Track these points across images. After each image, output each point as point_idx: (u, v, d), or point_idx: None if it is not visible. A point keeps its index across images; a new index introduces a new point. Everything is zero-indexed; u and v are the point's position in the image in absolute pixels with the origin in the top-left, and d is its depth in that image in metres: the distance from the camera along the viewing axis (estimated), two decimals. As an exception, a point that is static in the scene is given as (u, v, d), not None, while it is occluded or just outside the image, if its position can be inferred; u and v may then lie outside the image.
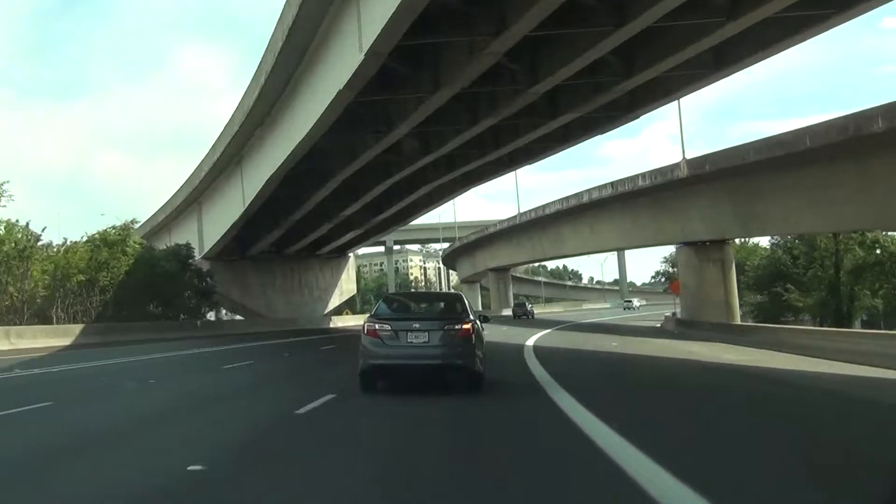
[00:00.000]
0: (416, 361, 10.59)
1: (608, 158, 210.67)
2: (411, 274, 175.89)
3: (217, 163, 34.46)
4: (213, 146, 34.47)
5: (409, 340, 10.57)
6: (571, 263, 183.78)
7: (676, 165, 33.87)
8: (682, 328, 33.98)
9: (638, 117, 25.77)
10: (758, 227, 31.90)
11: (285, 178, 30.40)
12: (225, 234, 37.70)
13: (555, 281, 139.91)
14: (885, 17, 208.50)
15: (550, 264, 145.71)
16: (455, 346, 10.58)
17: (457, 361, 10.65)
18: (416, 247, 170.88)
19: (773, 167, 27.60)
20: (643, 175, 36.52)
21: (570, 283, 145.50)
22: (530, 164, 33.05)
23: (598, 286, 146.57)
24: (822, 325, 37.35)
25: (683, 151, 33.44)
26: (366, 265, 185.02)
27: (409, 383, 10.97)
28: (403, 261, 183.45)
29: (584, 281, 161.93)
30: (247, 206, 32.33)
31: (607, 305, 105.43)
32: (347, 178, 30.29)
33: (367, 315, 11.82)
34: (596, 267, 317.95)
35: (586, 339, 28.45)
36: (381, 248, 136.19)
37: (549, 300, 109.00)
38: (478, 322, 11.56)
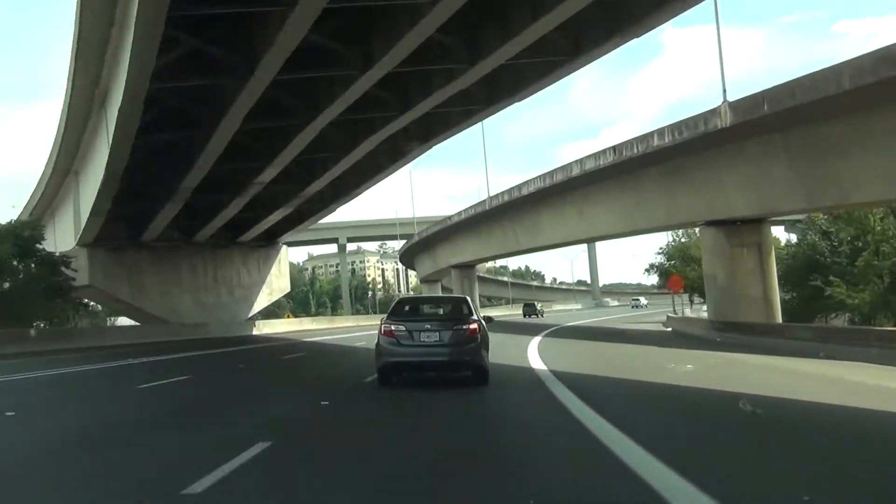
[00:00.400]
0: (428, 358, 11.41)
1: (566, 159, 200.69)
2: (368, 275, 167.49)
3: (72, 102, 24.15)
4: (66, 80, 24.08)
5: (421, 340, 11.38)
6: (535, 264, 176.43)
7: (713, 112, 24.77)
8: (729, 333, 24.90)
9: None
10: (834, 193, 22.78)
11: (160, 116, 20.42)
12: (96, 204, 27.31)
13: (519, 281, 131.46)
14: (839, 20, 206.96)
15: (513, 264, 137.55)
16: (463, 345, 11.37)
17: (465, 358, 11.45)
18: (373, 247, 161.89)
19: (875, 98, 18.60)
20: (660, 132, 27.35)
21: (535, 283, 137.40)
22: (512, 102, 23.28)
23: (562, 287, 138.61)
24: (875, 326, 28.68)
25: (725, 90, 24.25)
26: (320, 266, 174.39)
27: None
28: (360, 261, 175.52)
29: (548, 281, 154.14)
30: (111, 148, 21.91)
31: (578, 306, 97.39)
32: (254, 118, 20.50)
33: (383, 316, 12.45)
34: (558, 267, 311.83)
35: (626, 355, 18.89)
36: (335, 248, 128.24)
37: (515, 301, 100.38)
38: (482, 322, 12.08)
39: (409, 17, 15.14)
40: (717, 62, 25.18)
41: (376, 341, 11.58)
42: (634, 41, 19.03)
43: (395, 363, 11.46)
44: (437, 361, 11.38)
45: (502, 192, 43.31)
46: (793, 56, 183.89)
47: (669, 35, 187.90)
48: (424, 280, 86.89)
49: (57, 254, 30.91)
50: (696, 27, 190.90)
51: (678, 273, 46.74)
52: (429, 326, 11.48)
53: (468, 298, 13.04)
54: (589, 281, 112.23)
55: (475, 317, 11.81)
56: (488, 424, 8.10)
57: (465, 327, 11.40)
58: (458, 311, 12.40)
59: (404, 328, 11.41)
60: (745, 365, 15.58)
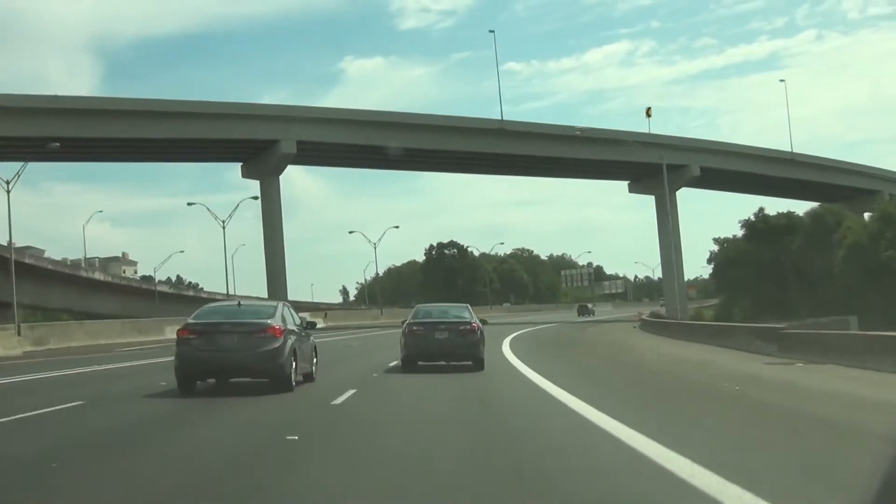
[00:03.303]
0: (440, 351, 16.26)
1: (246, 182, 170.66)
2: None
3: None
4: None
5: (436, 337, 16.18)
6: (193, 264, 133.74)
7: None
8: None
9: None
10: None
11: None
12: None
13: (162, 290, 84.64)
14: (507, 62, 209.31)
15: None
16: (466, 341, 16.15)
17: (468, 351, 16.20)
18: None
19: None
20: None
21: (189, 293, 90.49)
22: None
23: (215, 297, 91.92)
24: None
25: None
26: None
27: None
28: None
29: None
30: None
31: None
32: None
33: (405, 321, 17.34)
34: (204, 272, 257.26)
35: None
36: None
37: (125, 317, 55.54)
38: (480, 325, 16.78)
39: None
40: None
41: (402, 338, 16.54)
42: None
43: (416, 354, 16.32)
44: (446, 353, 16.21)
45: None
46: (463, 89, 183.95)
47: (351, 64, 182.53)
48: None
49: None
50: (376, 58, 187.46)
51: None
52: (442, 327, 16.31)
53: (468, 306, 18.27)
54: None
55: (475, 320, 16.55)
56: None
57: (468, 328, 16.28)
58: (461, 315, 16.95)
59: (423, 328, 16.38)
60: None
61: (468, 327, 16.19)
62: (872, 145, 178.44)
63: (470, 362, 16.07)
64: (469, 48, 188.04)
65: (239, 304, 14.52)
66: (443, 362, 16.15)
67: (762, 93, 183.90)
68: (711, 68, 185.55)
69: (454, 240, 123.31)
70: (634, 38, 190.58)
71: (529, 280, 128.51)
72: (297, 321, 13.54)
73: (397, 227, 79.97)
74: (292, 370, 12.26)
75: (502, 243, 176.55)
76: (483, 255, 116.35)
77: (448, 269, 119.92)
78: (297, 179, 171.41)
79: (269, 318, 12.33)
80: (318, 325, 23.29)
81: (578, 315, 75.60)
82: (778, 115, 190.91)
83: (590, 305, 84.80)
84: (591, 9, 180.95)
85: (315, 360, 14.38)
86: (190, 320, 12.48)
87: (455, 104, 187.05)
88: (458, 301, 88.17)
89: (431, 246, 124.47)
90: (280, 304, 13.46)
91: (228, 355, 11.85)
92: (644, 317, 46.39)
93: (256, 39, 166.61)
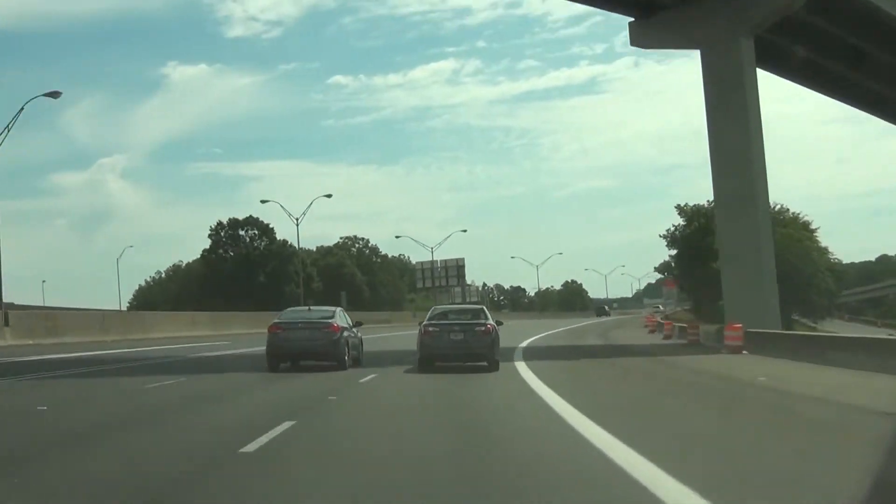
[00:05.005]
0: (456, 351, 16.76)
1: (58, 188, 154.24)
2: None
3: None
4: None
5: (451, 338, 16.70)
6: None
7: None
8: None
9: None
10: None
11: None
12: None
13: None
14: (334, 75, 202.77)
15: None
16: (481, 342, 16.65)
17: (482, 352, 16.66)
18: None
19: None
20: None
21: None
22: None
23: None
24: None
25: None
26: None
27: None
28: None
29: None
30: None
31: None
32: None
33: (421, 322, 17.96)
34: None
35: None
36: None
37: None
38: (496, 326, 17.17)
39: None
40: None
41: (418, 338, 17.06)
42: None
43: (432, 354, 16.75)
44: (461, 354, 16.70)
45: None
46: (289, 103, 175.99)
47: (174, 70, 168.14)
48: None
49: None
50: (200, 65, 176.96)
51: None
52: (457, 328, 16.89)
53: (484, 307, 19.57)
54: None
55: (491, 321, 16.99)
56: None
57: (482, 329, 16.69)
58: (476, 316, 17.47)
59: (438, 329, 16.87)
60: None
61: (483, 328, 16.72)
62: (683, 170, 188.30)
63: (485, 363, 16.58)
64: (296, 59, 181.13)
65: (309, 308, 19.98)
66: (458, 363, 16.70)
67: (583, 115, 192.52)
68: (533, 90, 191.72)
69: (254, 215, 78.66)
70: (461, 58, 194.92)
71: (364, 280, 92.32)
72: (349, 322, 18.53)
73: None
74: (346, 355, 17.21)
75: (329, 196, 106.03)
76: (304, 250, 75.37)
77: (244, 259, 75.42)
78: (110, 184, 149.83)
79: (330, 318, 17.58)
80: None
81: (597, 316, 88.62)
82: (601, 137, 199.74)
83: (606, 308, 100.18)
84: (419, 26, 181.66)
85: (361, 349, 19.23)
86: (276, 320, 17.97)
87: (281, 116, 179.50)
88: (244, 307, 53.57)
89: (220, 224, 78.38)
90: (338, 309, 18.86)
91: (302, 344, 17.09)
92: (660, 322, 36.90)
93: (67, 39, 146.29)
